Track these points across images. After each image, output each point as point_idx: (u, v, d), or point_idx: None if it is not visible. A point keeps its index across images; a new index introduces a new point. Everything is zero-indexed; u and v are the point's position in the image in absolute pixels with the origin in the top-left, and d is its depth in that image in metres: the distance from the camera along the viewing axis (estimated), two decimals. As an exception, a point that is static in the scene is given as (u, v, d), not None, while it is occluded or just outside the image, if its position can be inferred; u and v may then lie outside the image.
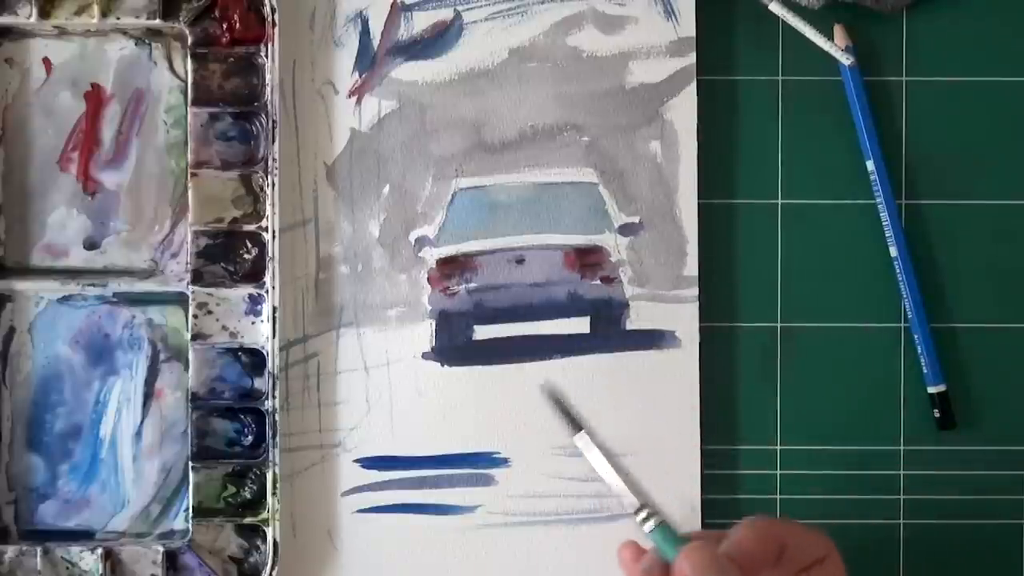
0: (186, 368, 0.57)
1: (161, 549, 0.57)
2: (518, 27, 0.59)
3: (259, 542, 0.57)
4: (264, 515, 0.57)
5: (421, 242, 0.59)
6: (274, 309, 0.57)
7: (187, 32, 0.57)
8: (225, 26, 0.57)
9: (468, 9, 0.59)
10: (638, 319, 0.59)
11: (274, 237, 0.57)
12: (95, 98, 0.59)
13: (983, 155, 0.60)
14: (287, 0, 0.58)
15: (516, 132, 0.59)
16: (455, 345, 0.59)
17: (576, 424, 0.49)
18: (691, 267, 0.59)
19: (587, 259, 0.59)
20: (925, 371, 0.59)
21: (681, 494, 0.58)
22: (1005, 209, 0.60)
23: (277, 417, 0.57)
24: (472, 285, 0.59)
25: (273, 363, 0.57)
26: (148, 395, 0.59)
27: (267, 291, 0.57)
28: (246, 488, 0.57)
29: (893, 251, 0.59)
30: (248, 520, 0.57)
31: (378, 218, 0.59)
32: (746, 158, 0.59)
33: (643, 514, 0.47)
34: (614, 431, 0.58)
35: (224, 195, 0.57)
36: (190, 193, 0.57)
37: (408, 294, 0.59)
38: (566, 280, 0.59)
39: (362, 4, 0.59)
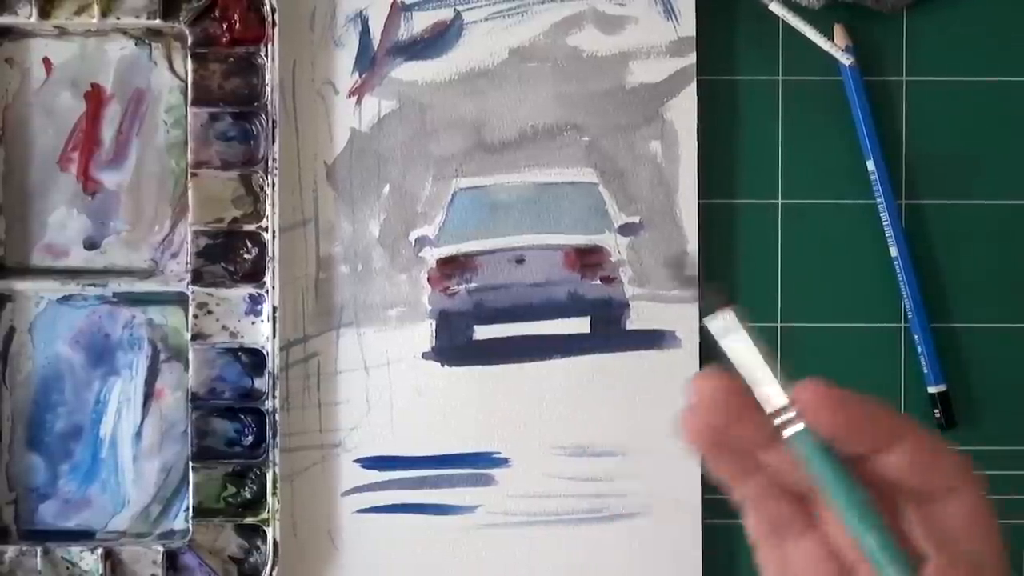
0: (186, 368, 0.57)
1: (161, 549, 0.57)
2: (518, 27, 0.59)
3: (259, 542, 0.57)
4: (264, 515, 0.57)
5: (421, 242, 0.59)
6: (274, 309, 0.57)
7: (187, 32, 0.57)
8: (225, 26, 0.57)
9: (468, 9, 0.59)
10: (638, 319, 0.59)
11: (274, 237, 0.57)
12: (95, 98, 0.59)
13: (983, 155, 0.60)
14: (287, 0, 0.58)
15: (516, 132, 0.59)
16: (455, 345, 0.59)
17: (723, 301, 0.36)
18: (691, 267, 0.59)
19: (587, 259, 0.59)
20: (925, 371, 0.59)
21: (681, 494, 0.58)
22: (1005, 209, 0.60)
23: (277, 417, 0.57)
24: (472, 285, 0.59)
25: (273, 363, 0.57)
26: (148, 395, 0.59)
27: (267, 291, 0.57)
28: (246, 488, 0.57)
29: (893, 251, 0.59)
30: (248, 520, 0.57)
31: (378, 218, 0.59)
32: (746, 158, 0.59)
33: (787, 415, 0.35)
34: (614, 431, 0.58)
35: (224, 195, 0.57)
36: (190, 193, 0.57)
37: (408, 294, 0.59)
38: (566, 280, 0.59)
39: (362, 4, 0.59)
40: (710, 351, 0.59)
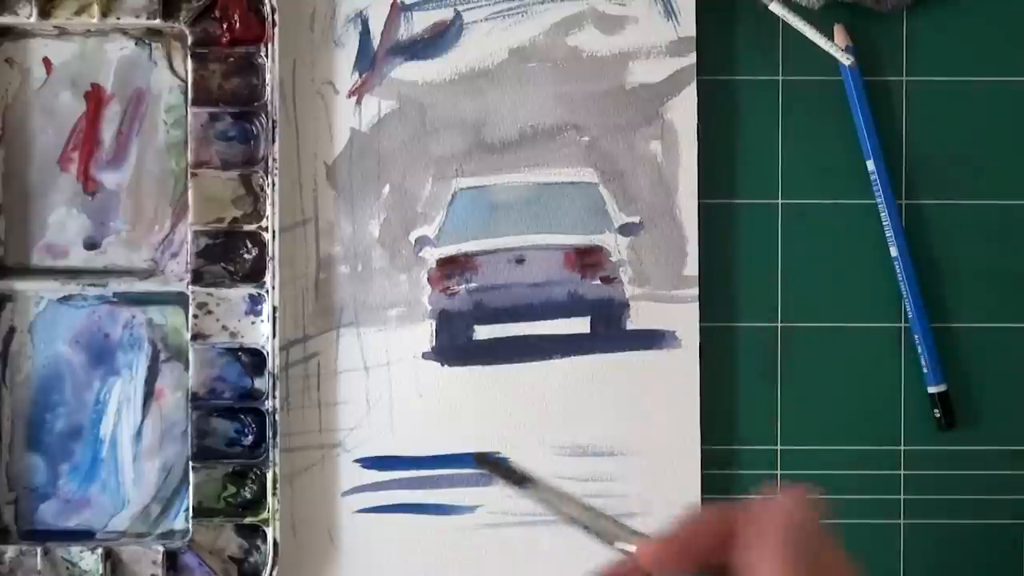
0: (186, 368, 0.57)
1: (161, 549, 0.57)
2: (518, 27, 0.59)
3: (259, 542, 0.57)
4: (264, 515, 0.57)
5: (421, 242, 0.59)
6: (274, 309, 0.57)
7: (187, 32, 0.57)
8: (225, 26, 0.57)
9: (468, 9, 0.59)
10: (638, 319, 0.59)
11: (274, 237, 0.57)
12: (95, 98, 0.59)
13: (983, 155, 0.60)
14: (287, 0, 0.58)
15: (516, 132, 0.59)
16: (455, 345, 0.59)
17: (522, 478, 0.45)
18: (691, 267, 0.59)
19: (587, 259, 0.59)
20: (925, 371, 0.59)
21: (681, 494, 0.58)
22: (1005, 209, 0.60)
23: (277, 417, 0.57)
24: (472, 285, 0.59)
25: (273, 363, 0.57)
26: (148, 395, 0.59)
27: (267, 291, 0.57)
28: (246, 488, 0.57)
29: (893, 251, 0.59)
30: (248, 520, 0.57)
31: (378, 218, 0.59)
32: (746, 158, 0.59)
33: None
34: (614, 431, 0.58)
35: (224, 195, 0.57)
36: (190, 193, 0.57)
37: (408, 294, 0.59)
38: (566, 280, 0.59)
39: (362, 4, 0.59)
40: (710, 351, 0.59)
